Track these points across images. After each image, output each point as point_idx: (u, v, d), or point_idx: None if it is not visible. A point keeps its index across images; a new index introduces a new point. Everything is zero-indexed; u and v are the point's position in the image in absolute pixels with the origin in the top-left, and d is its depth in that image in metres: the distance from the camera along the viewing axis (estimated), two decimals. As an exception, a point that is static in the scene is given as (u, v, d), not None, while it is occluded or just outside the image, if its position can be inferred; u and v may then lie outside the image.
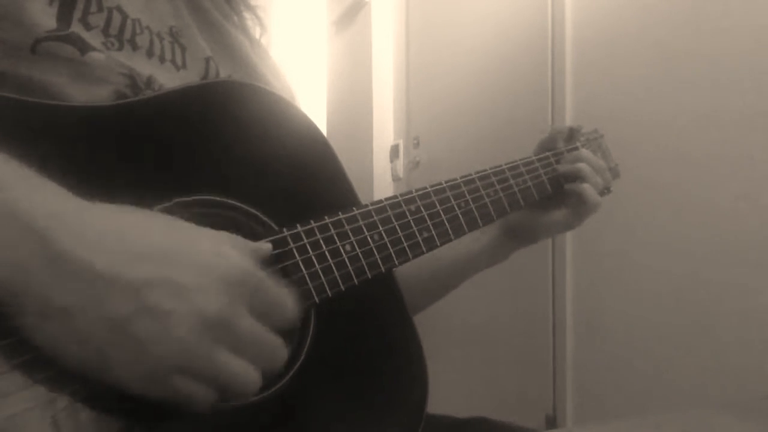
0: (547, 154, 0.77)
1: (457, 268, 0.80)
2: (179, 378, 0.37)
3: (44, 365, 0.37)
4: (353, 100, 2.67)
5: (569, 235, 1.56)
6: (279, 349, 0.43)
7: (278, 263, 0.48)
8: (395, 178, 2.45)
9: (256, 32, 0.75)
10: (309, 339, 0.49)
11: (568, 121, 1.57)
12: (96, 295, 0.35)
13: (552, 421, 1.58)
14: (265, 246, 0.46)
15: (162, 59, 0.56)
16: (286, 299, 0.43)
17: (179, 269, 0.38)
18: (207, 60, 0.61)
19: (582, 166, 0.76)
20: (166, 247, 0.39)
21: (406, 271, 0.62)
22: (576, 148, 0.80)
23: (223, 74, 0.62)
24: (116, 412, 0.39)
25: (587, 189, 0.75)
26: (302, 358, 0.48)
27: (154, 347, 0.36)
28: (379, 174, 2.47)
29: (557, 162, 0.77)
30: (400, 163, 2.41)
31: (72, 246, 0.35)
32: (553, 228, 0.79)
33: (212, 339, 0.38)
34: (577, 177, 0.76)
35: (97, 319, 0.35)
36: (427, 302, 0.79)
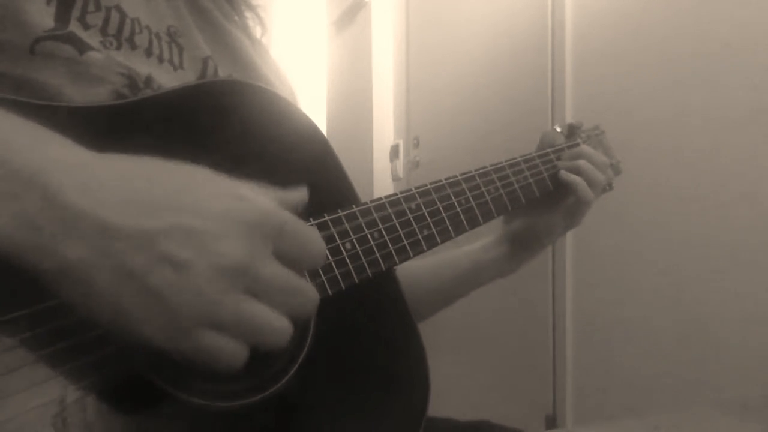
0: (548, 150, 0.77)
1: (463, 280, 0.80)
2: (204, 331, 0.36)
3: (69, 356, 0.37)
4: (353, 100, 2.66)
5: (569, 235, 1.55)
6: (308, 294, 0.41)
7: None
8: (395, 178, 2.45)
9: (257, 32, 0.75)
10: (309, 339, 0.49)
11: (568, 121, 1.56)
12: (107, 247, 0.34)
13: (552, 421, 1.58)
14: (294, 193, 0.44)
15: (160, 59, 0.56)
16: (313, 237, 0.42)
17: (194, 216, 0.37)
18: (205, 60, 0.61)
19: (582, 162, 0.75)
20: (179, 194, 0.37)
21: (411, 281, 0.62)
22: (577, 144, 0.80)
23: (223, 74, 0.62)
24: (126, 406, 0.39)
25: (580, 183, 0.75)
26: (302, 358, 0.48)
27: (173, 298, 0.35)
28: (379, 174, 2.47)
29: (558, 158, 0.77)
30: (400, 163, 2.41)
31: (76, 197, 0.34)
32: (554, 229, 0.79)
33: (233, 287, 0.37)
34: (577, 173, 0.75)
35: (113, 271, 0.34)
36: (431, 312, 0.79)
